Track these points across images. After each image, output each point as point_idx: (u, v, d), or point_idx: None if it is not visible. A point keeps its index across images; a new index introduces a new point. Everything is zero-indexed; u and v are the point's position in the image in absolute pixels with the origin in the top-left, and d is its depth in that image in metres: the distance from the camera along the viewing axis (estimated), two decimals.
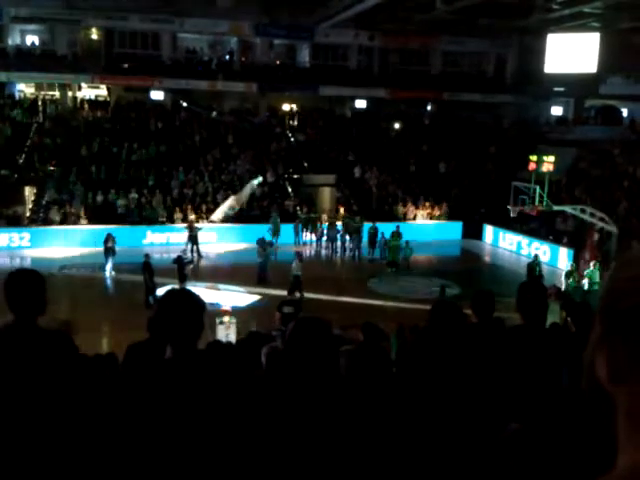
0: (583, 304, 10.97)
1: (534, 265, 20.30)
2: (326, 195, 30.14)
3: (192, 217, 25.11)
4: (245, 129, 32.29)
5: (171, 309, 2.54)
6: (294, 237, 26.48)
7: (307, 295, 17.54)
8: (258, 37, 33.42)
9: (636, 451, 0.81)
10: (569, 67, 31.83)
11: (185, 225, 24.36)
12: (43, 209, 25.79)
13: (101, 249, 20.61)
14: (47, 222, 25.04)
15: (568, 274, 19.65)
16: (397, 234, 23.81)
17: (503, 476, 2.63)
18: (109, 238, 20.55)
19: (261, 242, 20.78)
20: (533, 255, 21.93)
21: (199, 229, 23.71)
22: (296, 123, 35.28)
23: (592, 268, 19.20)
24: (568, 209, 24.90)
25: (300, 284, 18.13)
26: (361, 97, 35.55)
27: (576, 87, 33.04)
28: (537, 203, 24.05)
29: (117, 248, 20.69)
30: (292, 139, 33.20)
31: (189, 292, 2.67)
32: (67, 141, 29.21)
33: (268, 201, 28.04)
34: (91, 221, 25.19)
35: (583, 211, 24.33)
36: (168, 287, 17.32)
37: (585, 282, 18.95)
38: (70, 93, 33.44)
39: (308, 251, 25.85)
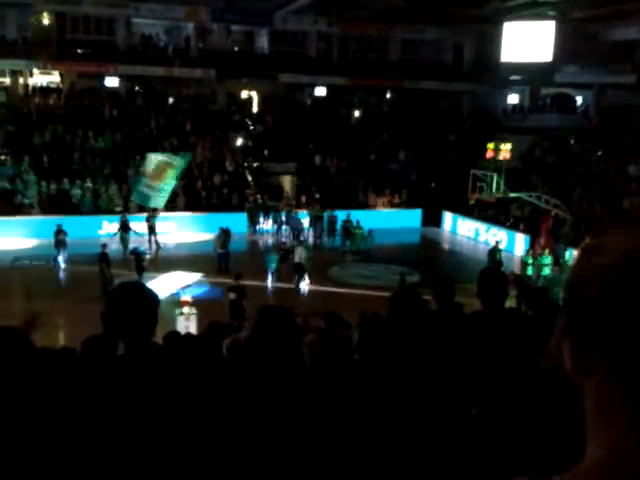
0: (539, 289, 11.20)
1: (495, 252, 20.65)
2: (286, 183, 30.04)
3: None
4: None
5: (122, 304, 2.46)
6: (249, 226, 26.30)
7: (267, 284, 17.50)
8: (215, 22, 32.90)
9: (607, 441, 0.78)
10: (525, 56, 32.27)
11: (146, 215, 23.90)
12: None
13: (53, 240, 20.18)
14: None
15: (524, 260, 20.06)
16: (348, 222, 24.28)
17: (464, 460, 2.64)
18: (59, 230, 20.06)
19: (225, 231, 20.71)
20: (494, 242, 22.28)
21: (156, 219, 23.31)
22: (255, 110, 34.99)
23: (545, 254, 19.64)
24: (524, 196, 25.38)
25: (300, 272, 18.95)
26: (320, 85, 35.43)
27: (532, 75, 33.59)
28: (494, 190, 24.48)
29: (72, 239, 20.23)
30: (251, 127, 32.90)
31: (141, 286, 2.59)
32: (18, 129, 28.34)
33: (228, 190, 27.77)
34: (45, 211, 24.56)
35: (538, 198, 24.87)
36: (123, 280, 17.06)
37: (539, 268, 19.37)
38: (21, 80, 32.38)
39: (265, 240, 25.80)
